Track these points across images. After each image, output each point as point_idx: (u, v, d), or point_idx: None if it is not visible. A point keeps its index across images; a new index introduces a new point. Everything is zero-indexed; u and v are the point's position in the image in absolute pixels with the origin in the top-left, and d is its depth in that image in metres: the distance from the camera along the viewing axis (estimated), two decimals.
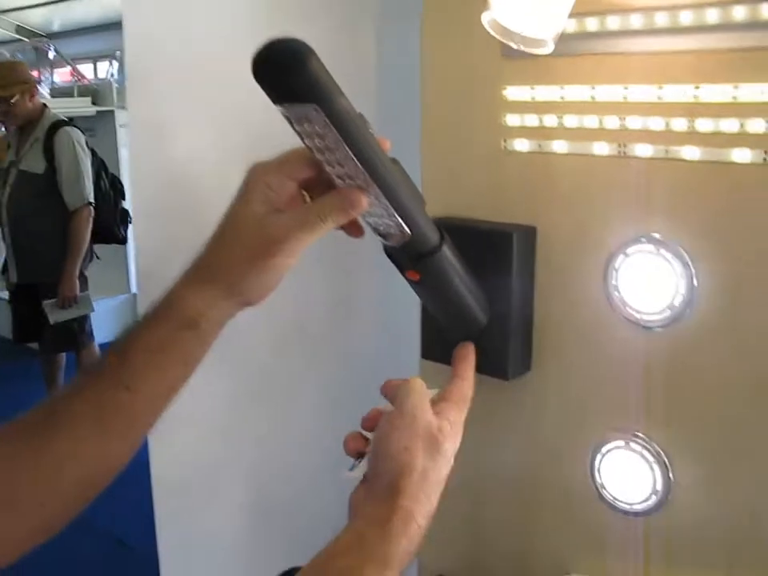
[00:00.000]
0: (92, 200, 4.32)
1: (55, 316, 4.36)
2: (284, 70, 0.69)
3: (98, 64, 9.80)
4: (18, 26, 10.64)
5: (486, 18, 0.94)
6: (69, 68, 8.43)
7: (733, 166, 0.99)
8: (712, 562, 1.09)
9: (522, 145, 1.18)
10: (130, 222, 4.65)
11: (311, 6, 1.25)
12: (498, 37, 0.96)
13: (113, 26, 9.70)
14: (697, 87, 0.99)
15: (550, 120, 1.14)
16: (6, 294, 5.06)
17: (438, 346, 1.24)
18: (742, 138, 0.97)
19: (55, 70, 8.35)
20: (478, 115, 1.21)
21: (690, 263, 1.03)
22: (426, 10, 1.23)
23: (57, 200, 4.30)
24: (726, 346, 1.04)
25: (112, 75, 7.29)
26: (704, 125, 1.00)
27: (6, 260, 4.53)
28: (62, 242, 4.28)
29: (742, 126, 0.97)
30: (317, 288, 1.35)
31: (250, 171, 0.82)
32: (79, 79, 7.70)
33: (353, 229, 0.83)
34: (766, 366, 1.01)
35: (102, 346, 4.89)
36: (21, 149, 4.38)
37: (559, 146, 1.14)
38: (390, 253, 0.89)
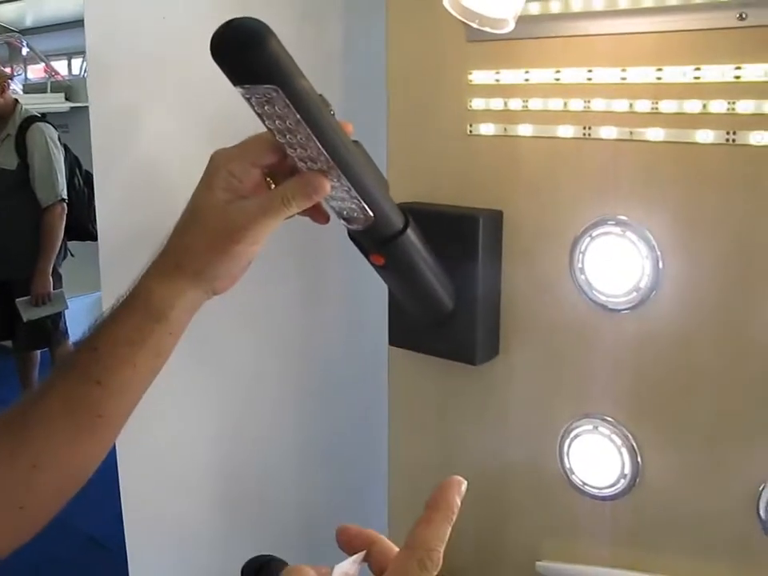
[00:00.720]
0: (65, 196, 4.29)
1: (29, 313, 4.32)
2: (243, 50, 0.69)
3: (73, 60, 9.78)
4: None
5: None
6: (43, 64, 8.36)
7: (696, 147, 1.00)
8: (680, 546, 1.11)
9: (487, 128, 1.18)
10: None
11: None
12: (458, 17, 0.96)
13: None
14: (659, 69, 1.01)
15: (515, 103, 1.15)
16: None
17: (406, 332, 1.26)
18: (704, 119, 0.99)
19: (29, 66, 8.30)
20: (443, 100, 1.22)
21: (655, 245, 1.05)
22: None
23: (29, 196, 4.26)
24: (693, 327, 1.05)
25: (86, 71, 7.22)
26: (667, 106, 1.01)
27: None
28: (35, 239, 4.25)
29: (704, 106, 0.99)
30: (283, 276, 1.35)
31: (213, 159, 0.82)
32: (53, 75, 7.61)
33: (317, 215, 0.84)
34: (732, 347, 1.02)
35: (76, 343, 4.96)
36: None
37: (524, 129, 1.15)
38: (354, 237, 0.90)
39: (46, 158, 4.26)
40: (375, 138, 1.05)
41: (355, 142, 0.79)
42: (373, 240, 0.89)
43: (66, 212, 4.30)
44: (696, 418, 1.07)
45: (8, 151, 4.28)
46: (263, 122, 0.75)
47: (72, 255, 4.63)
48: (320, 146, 0.74)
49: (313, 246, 1.36)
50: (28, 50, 8.26)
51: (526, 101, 1.13)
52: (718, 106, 0.97)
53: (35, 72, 8.57)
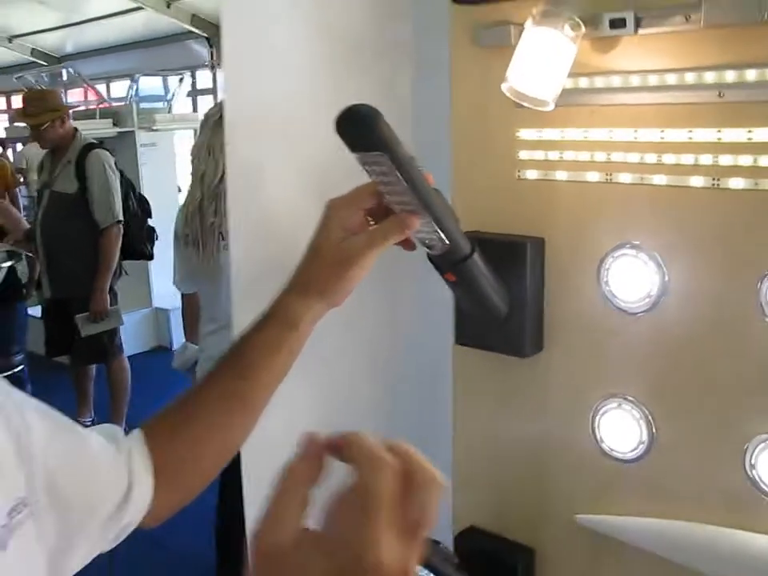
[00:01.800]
0: (121, 218, 4.32)
1: (87, 329, 4.36)
2: (360, 129, 0.87)
3: (111, 84, 9.83)
4: (33, 48, 10.71)
5: (505, 86, 1.13)
6: (82, 88, 8.29)
7: (691, 189, 1.12)
8: (689, 496, 1.21)
9: (532, 174, 1.27)
10: (156, 240, 4.61)
11: (362, 71, 1.36)
12: (513, 98, 1.14)
13: (126, 47, 9.69)
14: (662, 131, 1.12)
15: (554, 155, 1.24)
16: (38, 312, 4.99)
17: (468, 332, 1.36)
18: (696, 169, 1.11)
19: (68, 91, 8.15)
20: (498, 151, 1.31)
21: (662, 263, 1.16)
22: (454, 74, 1.35)
23: (88, 219, 4.30)
24: (693, 325, 1.16)
25: (131, 97, 7.25)
26: (668, 158, 1.13)
27: (39, 276, 4.52)
28: (92, 259, 4.29)
29: (696, 159, 1.11)
30: (371, 288, 1.29)
31: (328, 206, 0.97)
32: (98, 98, 7.59)
33: (407, 244, 0.99)
34: (726, 339, 1.15)
35: (129, 357, 4.77)
36: (53, 171, 4.39)
37: (561, 175, 1.24)
38: (433, 260, 1.05)
39: (104, 183, 4.27)
40: (443, 182, 1.14)
41: (435, 189, 0.94)
42: (447, 262, 1.02)
43: (122, 233, 4.31)
44: (698, 395, 1.17)
45: (68, 176, 4.33)
46: (370, 176, 0.91)
47: (126, 273, 4.61)
48: (413, 195, 0.90)
49: (398, 267, 1.37)
50: (69, 73, 8.25)
51: (562, 153, 1.23)
52: (705, 159, 1.09)
53: (73, 96, 8.57)
